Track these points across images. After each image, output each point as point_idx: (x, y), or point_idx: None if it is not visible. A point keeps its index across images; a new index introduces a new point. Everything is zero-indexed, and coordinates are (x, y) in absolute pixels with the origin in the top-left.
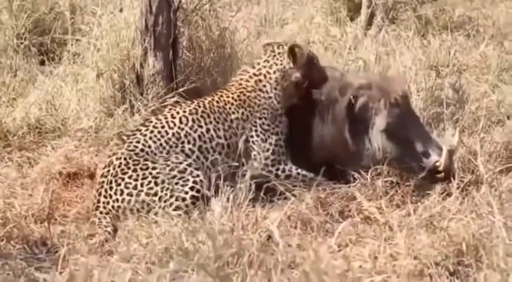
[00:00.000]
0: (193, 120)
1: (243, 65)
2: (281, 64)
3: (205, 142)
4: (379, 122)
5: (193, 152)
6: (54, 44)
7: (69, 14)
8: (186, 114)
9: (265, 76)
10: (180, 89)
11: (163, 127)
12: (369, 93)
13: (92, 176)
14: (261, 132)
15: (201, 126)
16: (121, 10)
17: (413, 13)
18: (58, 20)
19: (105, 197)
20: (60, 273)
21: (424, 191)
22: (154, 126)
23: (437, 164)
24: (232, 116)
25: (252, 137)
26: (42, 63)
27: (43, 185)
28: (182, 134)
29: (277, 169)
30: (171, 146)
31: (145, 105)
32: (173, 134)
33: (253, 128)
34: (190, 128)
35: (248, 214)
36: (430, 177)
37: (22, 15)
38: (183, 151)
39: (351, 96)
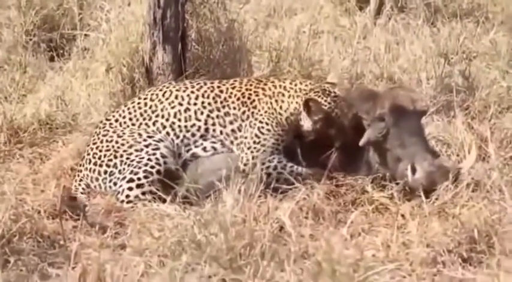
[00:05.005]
0: (176, 97)
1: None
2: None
3: (179, 120)
4: (365, 135)
5: (164, 127)
6: (63, 39)
7: (77, 10)
8: (173, 90)
9: (289, 97)
10: None
11: (145, 98)
12: (360, 107)
13: None
14: (255, 134)
15: (181, 104)
16: (129, 4)
17: (422, 1)
18: (66, 15)
19: (81, 165)
20: (73, 268)
21: None
22: (139, 97)
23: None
24: (231, 111)
25: (245, 137)
26: (51, 59)
27: (55, 180)
28: (159, 107)
29: (268, 167)
30: (144, 119)
31: None
32: (150, 107)
33: (250, 129)
34: (169, 104)
35: (260, 205)
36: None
37: (30, 11)
38: (154, 125)
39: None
